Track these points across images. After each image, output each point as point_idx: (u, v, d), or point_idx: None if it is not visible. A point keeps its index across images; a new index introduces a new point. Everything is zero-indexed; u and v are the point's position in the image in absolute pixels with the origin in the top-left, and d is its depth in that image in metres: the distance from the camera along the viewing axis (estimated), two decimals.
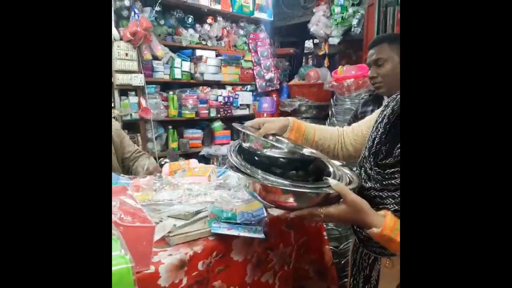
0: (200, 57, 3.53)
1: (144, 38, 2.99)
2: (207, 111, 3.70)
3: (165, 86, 3.53)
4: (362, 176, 0.92)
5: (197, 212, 1.07)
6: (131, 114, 3.11)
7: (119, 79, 2.98)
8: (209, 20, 3.63)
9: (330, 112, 3.12)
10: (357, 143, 1.11)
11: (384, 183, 0.85)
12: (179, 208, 1.07)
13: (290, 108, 3.59)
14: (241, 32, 4.03)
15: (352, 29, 3.30)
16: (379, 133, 0.91)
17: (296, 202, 0.84)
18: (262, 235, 0.99)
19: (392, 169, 0.83)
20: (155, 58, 3.25)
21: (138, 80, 3.09)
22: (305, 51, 4.62)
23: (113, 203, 0.85)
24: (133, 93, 3.14)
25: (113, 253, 0.66)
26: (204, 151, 3.67)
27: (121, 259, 0.67)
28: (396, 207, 0.82)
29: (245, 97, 4.06)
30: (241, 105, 4.04)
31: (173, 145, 3.53)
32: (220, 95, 3.81)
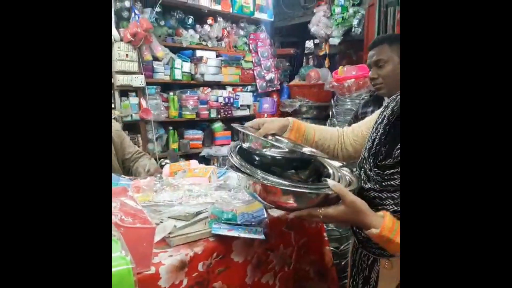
0: (201, 58, 3.54)
1: (144, 39, 3.00)
2: (207, 112, 3.70)
3: (166, 87, 3.53)
4: (362, 177, 0.92)
5: (198, 213, 1.07)
6: (131, 115, 3.12)
7: (119, 80, 2.98)
8: (209, 21, 3.63)
9: (330, 113, 3.12)
10: (357, 144, 1.11)
11: (383, 184, 0.85)
12: (180, 209, 1.07)
13: (291, 108, 3.59)
14: (242, 32, 4.03)
15: (353, 30, 3.30)
16: (378, 134, 0.91)
17: (295, 202, 0.84)
18: (262, 236, 0.99)
19: (392, 170, 0.83)
20: (156, 59, 3.25)
21: (138, 81, 3.09)
22: (306, 52, 4.61)
23: (113, 204, 0.85)
24: (134, 94, 3.14)
25: (113, 254, 0.66)
26: (205, 152, 3.67)
27: (121, 260, 0.67)
28: (395, 208, 0.82)
29: (245, 97, 4.06)
30: (241, 105, 4.04)
31: (174, 146, 3.53)
32: (221, 96, 3.82)
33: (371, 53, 1.52)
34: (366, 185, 0.89)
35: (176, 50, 3.47)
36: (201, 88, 3.66)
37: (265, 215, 1.06)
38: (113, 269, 0.63)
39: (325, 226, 1.38)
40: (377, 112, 1.02)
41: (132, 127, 3.19)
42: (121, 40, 2.97)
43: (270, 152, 1.00)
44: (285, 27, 4.20)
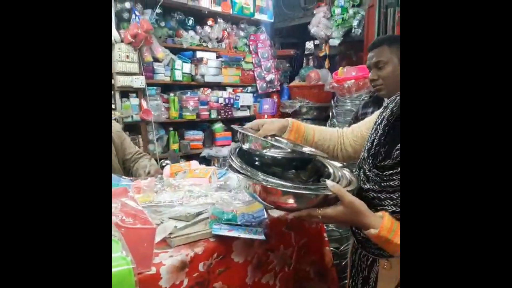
0: (201, 59, 3.54)
1: (144, 40, 3.00)
2: (208, 113, 3.70)
3: (166, 88, 3.53)
4: (361, 178, 0.92)
5: (198, 214, 1.07)
6: (132, 116, 3.12)
7: (120, 81, 2.99)
8: (210, 22, 3.64)
9: (330, 114, 3.12)
10: (357, 144, 1.11)
11: (382, 184, 0.85)
12: (180, 210, 1.07)
13: (291, 109, 3.59)
14: (242, 33, 4.03)
15: (353, 30, 3.30)
16: (378, 134, 0.91)
17: (295, 203, 0.84)
18: (262, 237, 0.99)
19: (391, 171, 0.84)
20: (156, 60, 3.26)
21: (139, 82, 3.10)
22: (306, 53, 4.61)
23: (114, 205, 0.86)
24: (134, 95, 3.15)
25: (114, 255, 0.66)
26: (205, 152, 3.67)
27: (122, 260, 0.68)
28: (394, 209, 0.82)
29: (245, 98, 4.06)
30: (241, 106, 4.05)
31: (174, 146, 3.53)
32: (221, 97, 3.82)
33: (370, 54, 1.52)
34: (365, 186, 0.89)
35: (177, 51, 3.48)
36: (202, 89, 3.66)
37: (265, 216, 1.07)
38: (114, 270, 0.63)
39: (325, 227, 1.39)
40: (377, 112, 1.02)
41: (132, 128, 3.20)
42: (122, 41, 2.97)
43: (270, 153, 1.01)
44: (285, 28, 4.20)
